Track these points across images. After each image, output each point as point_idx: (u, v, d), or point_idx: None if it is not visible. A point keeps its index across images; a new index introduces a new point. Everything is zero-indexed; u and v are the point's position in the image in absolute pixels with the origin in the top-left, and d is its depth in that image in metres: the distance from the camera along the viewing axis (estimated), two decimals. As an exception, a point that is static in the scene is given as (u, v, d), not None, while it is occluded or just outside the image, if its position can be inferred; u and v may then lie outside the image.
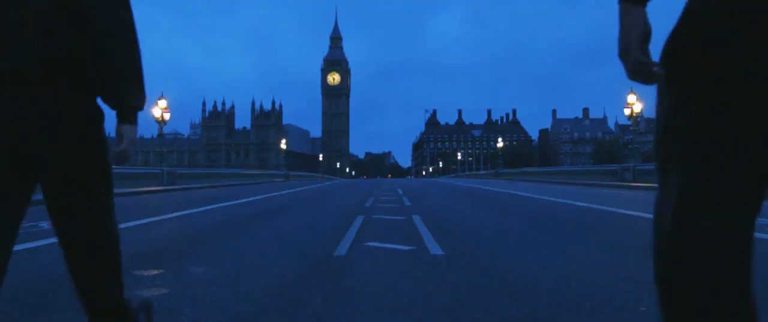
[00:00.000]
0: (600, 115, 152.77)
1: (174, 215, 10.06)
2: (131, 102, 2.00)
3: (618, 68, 1.35)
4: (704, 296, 1.28)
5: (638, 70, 1.30)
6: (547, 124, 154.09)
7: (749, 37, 1.18)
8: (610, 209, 10.54)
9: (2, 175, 1.77)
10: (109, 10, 1.86)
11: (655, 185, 1.46)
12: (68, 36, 1.81)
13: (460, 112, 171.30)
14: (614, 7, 1.37)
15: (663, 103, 1.35)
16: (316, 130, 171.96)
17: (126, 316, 2.11)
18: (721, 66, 1.23)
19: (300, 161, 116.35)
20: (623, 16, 1.34)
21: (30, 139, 1.79)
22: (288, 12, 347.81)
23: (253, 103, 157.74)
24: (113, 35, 1.89)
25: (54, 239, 2.05)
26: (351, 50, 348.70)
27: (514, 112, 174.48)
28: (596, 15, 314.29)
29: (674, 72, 1.30)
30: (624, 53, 1.32)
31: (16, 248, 1.97)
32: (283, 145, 67.91)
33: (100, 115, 1.97)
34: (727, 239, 1.27)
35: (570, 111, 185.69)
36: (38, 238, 6.48)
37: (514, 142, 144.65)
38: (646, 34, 1.32)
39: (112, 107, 2.01)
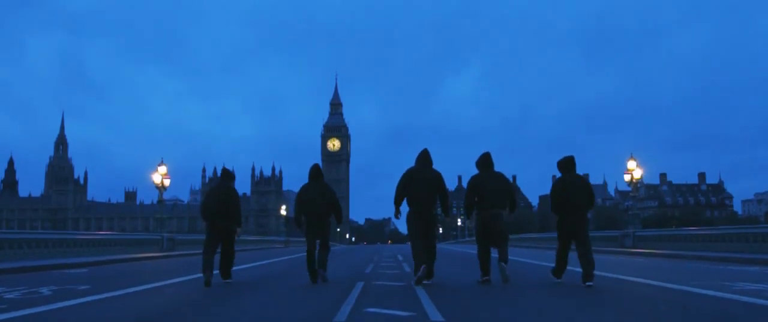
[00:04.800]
0: (600, 181, 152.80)
1: (174, 281, 10.06)
2: (341, 223, 9.67)
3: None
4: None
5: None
6: (547, 189, 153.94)
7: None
8: (610, 274, 10.54)
9: (317, 232, 9.17)
10: (334, 202, 9.43)
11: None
12: (328, 208, 9.32)
13: (459, 178, 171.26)
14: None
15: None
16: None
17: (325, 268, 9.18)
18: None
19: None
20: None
21: (321, 227, 9.28)
22: (294, 74, 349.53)
23: (253, 169, 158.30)
24: (338, 206, 9.48)
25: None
26: (357, 113, 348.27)
27: (514, 178, 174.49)
28: (612, 79, 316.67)
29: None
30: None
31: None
32: (283, 211, 67.82)
33: (340, 212, 9.58)
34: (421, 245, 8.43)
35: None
36: (38, 304, 6.52)
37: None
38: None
39: (338, 223, 9.82)
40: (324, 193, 9.35)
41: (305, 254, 9.10)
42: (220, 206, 9.38)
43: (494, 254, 8.63)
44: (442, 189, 8.65)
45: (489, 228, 8.51)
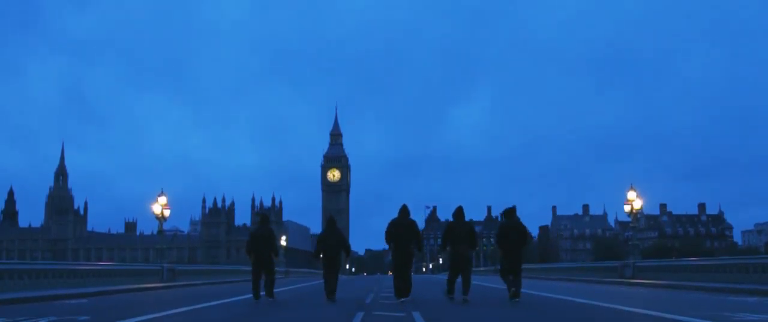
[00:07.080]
0: (600, 212, 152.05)
1: (176, 310, 10.09)
2: (348, 257, 13.64)
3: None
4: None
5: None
6: (547, 220, 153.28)
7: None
8: (608, 304, 10.57)
9: (334, 265, 12.75)
10: (345, 243, 13.07)
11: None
12: (339, 247, 12.75)
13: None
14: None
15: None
16: (316, 227, 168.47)
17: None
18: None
19: (300, 257, 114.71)
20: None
21: (334, 259, 12.67)
22: (297, 102, 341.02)
23: (253, 200, 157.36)
24: (346, 246, 13.03)
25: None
26: (360, 143, 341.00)
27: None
28: (622, 107, 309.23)
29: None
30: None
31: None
32: (283, 241, 67.49)
33: (348, 251, 13.21)
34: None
35: (570, 207, 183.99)
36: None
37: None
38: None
39: (347, 254, 13.14)
40: (336, 236, 12.84)
41: (306, 285, 9.26)
42: (262, 243, 13.05)
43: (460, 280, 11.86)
44: (417, 232, 12.21)
45: (456, 260, 11.91)
